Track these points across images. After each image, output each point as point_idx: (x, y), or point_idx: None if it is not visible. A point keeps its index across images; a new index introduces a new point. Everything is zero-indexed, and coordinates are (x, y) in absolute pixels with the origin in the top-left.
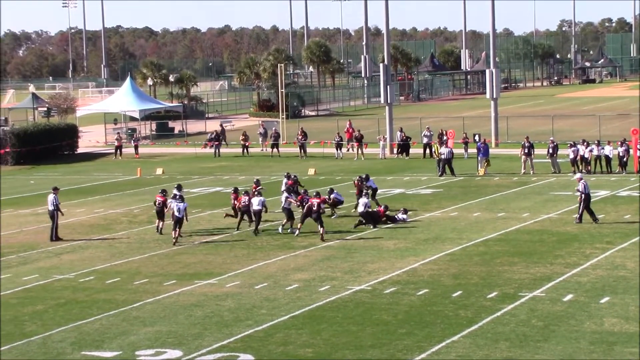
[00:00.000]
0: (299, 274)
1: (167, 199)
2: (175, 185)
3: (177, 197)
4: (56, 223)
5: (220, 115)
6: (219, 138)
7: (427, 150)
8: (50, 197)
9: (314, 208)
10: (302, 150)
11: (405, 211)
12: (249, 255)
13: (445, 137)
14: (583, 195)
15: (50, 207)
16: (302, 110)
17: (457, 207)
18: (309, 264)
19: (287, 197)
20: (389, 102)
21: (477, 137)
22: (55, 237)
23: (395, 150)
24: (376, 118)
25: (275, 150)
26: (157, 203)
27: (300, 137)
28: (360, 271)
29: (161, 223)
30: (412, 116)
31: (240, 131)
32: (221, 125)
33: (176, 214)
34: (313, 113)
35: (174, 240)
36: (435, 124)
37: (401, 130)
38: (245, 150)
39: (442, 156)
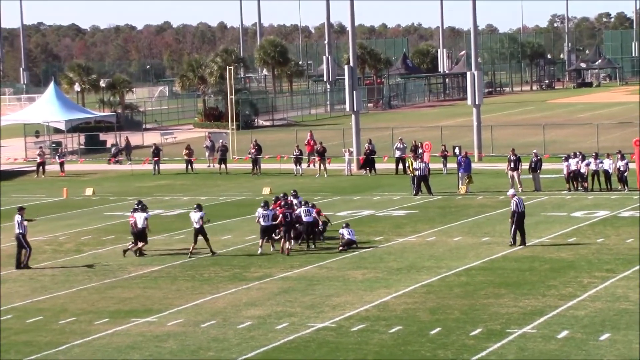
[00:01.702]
0: (252, 309)
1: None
2: (136, 202)
3: (196, 206)
4: (22, 249)
5: (160, 126)
6: (158, 153)
7: (400, 166)
8: (16, 218)
9: (288, 219)
10: (255, 166)
11: (347, 225)
12: (194, 288)
13: (420, 150)
14: (517, 213)
15: (17, 230)
16: (255, 120)
17: (435, 230)
18: (263, 298)
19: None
20: (355, 109)
21: (457, 150)
22: (19, 264)
23: (362, 165)
24: (341, 128)
25: (223, 166)
26: (132, 224)
27: (253, 151)
28: (324, 306)
29: (140, 244)
30: (382, 126)
31: (183, 144)
32: (127, 139)
33: (195, 225)
34: (268, 123)
35: (190, 251)
36: (409, 134)
37: (370, 143)
38: (189, 167)
39: (417, 172)
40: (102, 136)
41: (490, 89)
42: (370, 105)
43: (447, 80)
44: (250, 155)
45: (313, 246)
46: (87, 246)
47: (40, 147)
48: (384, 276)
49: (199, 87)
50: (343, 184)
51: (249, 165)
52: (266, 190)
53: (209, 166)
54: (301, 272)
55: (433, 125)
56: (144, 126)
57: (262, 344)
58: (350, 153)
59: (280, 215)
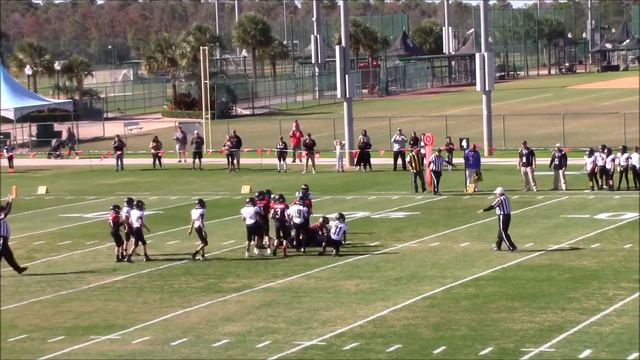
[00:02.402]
0: (230, 325)
1: (121, 215)
2: (127, 200)
3: (197, 202)
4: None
5: (123, 115)
6: (122, 146)
7: (399, 161)
8: None
9: (278, 216)
10: (232, 161)
11: (340, 216)
12: (163, 301)
13: (422, 144)
14: (502, 215)
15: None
16: (234, 108)
17: (439, 235)
18: (242, 313)
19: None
20: (347, 96)
21: (464, 143)
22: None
23: (356, 161)
24: (331, 118)
25: (197, 161)
26: (111, 224)
27: (229, 144)
28: (311, 321)
29: (120, 248)
30: (378, 115)
31: (150, 136)
32: (69, 129)
33: (196, 224)
34: (247, 112)
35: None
36: (409, 125)
37: (364, 134)
38: (157, 162)
39: (433, 167)
40: (57, 127)
41: (503, 73)
42: (365, 91)
43: (453, 62)
44: (226, 149)
45: (302, 250)
46: (39, 252)
47: None
48: (380, 287)
49: (168, 70)
50: (333, 182)
51: (225, 160)
52: (245, 189)
53: (180, 161)
54: (285, 282)
55: (437, 114)
56: (105, 115)
57: None
58: (342, 146)
59: (272, 211)
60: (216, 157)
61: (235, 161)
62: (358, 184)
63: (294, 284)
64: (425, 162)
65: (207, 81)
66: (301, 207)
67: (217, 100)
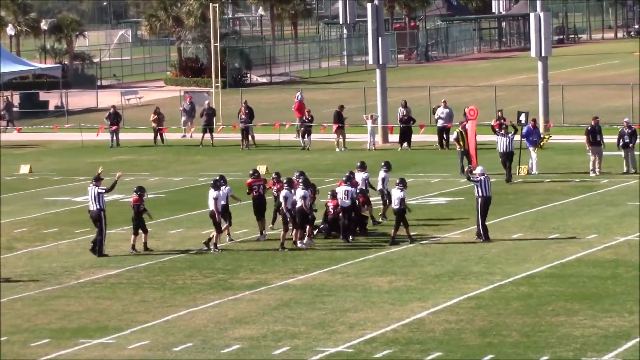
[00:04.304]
0: (242, 328)
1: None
2: (217, 178)
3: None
4: (104, 231)
5: (120, 82)
6: (117, 120)
7: (445, 138)
8: (92, 190)
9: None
10: (246, 137)
11: (401, 182)
12: (165, 299)
13: (466, 118)
14: (480, 199)
15: (93, 207)
16: (248, 75)
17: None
18: (257, 313)
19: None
20: (380, 62)
21: (522, 117)
22: (100, 251)
23: (399, 139)
24: (362, 87)
25: (208, 135)
26: (133, 207)
27: (243, 117)
28: (337, 324)
29: (146, 236)
30: (416, 84)
31: (150, 107)
32: (7, 99)
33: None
34: (264, 79)
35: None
36: (452, 96)
37: (405, 106)
38: (158, 137)
39: (500, 148)
40: (43, 95)
41: (562, 36)
42: (401, 56)
43: (503, 24)
44: (241, 123)
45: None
46: (21, 242)
47: None
48: (417, 285)
49: (172, 31)
50: (365, 161)
51: (237, 136)
52: (261, 169)
53: (185, 136)
54: (307, 278)
55: (484, 84)
56: (99, 83)
57: None
58: (374, 120)
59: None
60: (227, 133)
61: (249, 136)
62: (393, 165)
63: (316, 281)
64: (470, 138)
65: (218, 44)
66: (348, 188)
67: (228, 66)
